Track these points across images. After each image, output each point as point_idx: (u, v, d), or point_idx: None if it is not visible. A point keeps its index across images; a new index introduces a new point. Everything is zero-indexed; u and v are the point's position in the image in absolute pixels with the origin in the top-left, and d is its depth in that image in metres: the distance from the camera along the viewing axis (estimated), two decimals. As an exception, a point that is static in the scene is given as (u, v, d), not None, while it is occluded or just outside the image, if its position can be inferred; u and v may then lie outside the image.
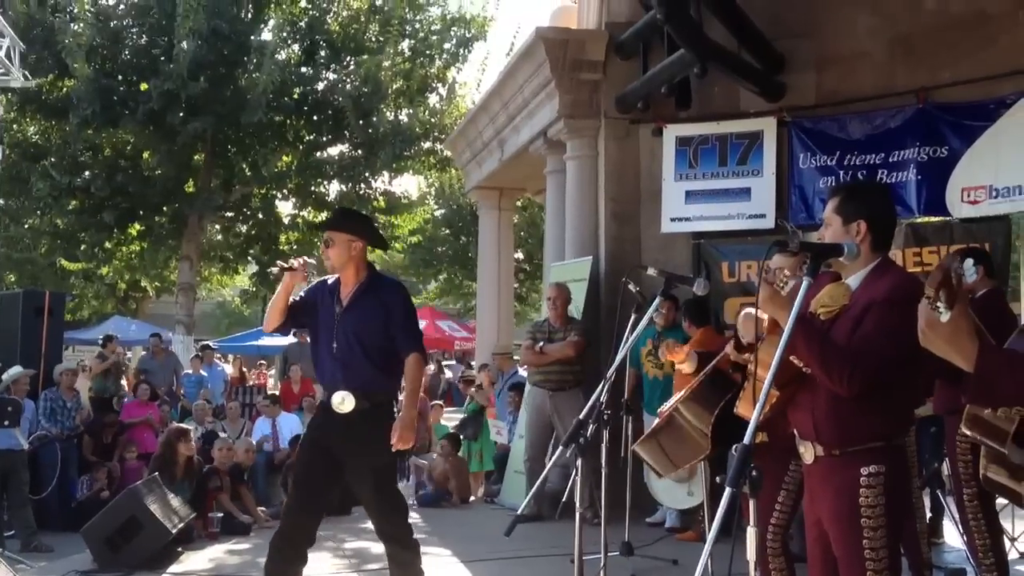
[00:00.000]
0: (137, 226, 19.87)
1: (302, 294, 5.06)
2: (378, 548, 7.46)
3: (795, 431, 3.34)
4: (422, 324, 19.02)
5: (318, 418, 5.02)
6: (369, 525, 8.38)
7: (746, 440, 2.70)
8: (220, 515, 8.16)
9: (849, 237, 3.21)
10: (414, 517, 8.93)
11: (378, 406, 4.80)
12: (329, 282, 5.01)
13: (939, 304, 2.16)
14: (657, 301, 4.50)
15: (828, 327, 3.18)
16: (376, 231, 5.37)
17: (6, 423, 8.71)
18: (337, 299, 4.91)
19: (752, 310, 3.33)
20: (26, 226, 21.74)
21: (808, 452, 3.26)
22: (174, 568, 6.64)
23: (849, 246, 3.15)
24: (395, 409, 4.92)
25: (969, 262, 5.18)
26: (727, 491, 2.65)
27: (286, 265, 4.91)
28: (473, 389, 12.08)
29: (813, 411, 3.20)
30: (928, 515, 6.49)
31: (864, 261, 3.24)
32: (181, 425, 9.04)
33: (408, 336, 4.88)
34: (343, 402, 4.72)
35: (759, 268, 3.15)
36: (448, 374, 22.43)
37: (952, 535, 6.76)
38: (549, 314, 8.38)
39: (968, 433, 3.38)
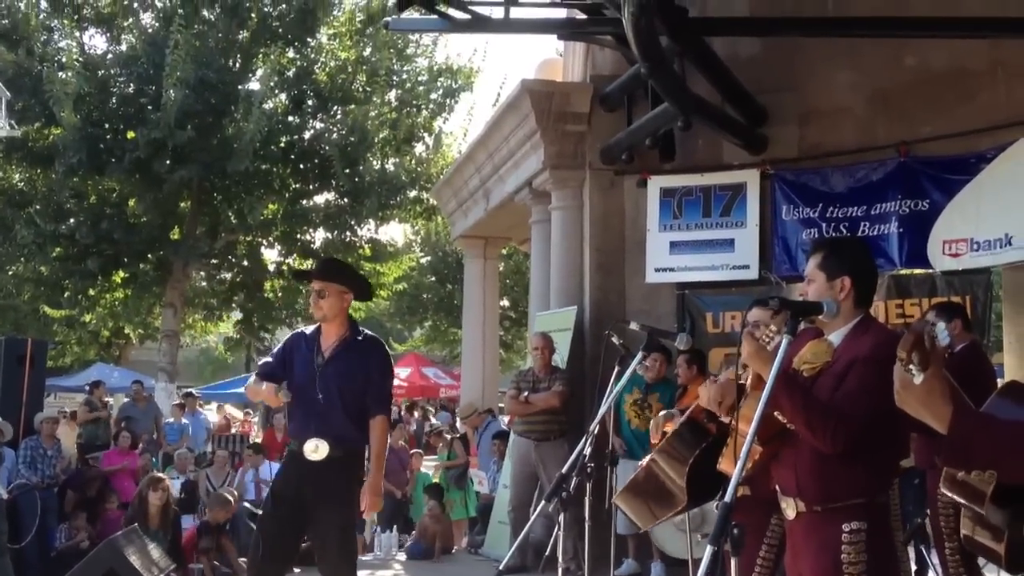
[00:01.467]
0: (121, 273, 19.83)
1: (276, 351, 5.08)
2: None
3: (777, 487, 3.34)
4: (407, 371, 19.13)
5: (286, 467, 5.01)
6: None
7: (727, 498, 2.70)
8: (201, 567, 8.07)
9: (833, 293, 3.23)
10: (398, 569, 8.88)
11: (349, 455, 4.79)
12: (307, 332, 5.01)
13: (911, 367, 2.18)
14: (640, 356, 4.52)
15: (811, 384, 3.20)
16: (365, 283, 5.40)
17: (-15, 473, 8.63)
18: (318, 350, 4.89)
19: (728, 380, 3.34)
20: (9, 273, 21.68)
21: (790, 508, 3.26)
22: (153, 622, 6.56)
23: (828, 304, 3.18)
24: (364, 463, 4.88)
25: (941, 325, 5.24)
26: (708, 549, 2.65)
27: (263, 391, 4.84)
28: (441, 444, 12.17)
29: (796, 467, 3.21)
30: (913, 569, 6.47)
31: (846, 317, 3.26)
32: (154, 474, 8.95)
33: (380, 397, 4.90)
34: (316, 449, 4.71)
35: (741, 327, 3.15)
36: (433, 421, 22.34)
37: (937, 588, 6.72)
38: (534, 363, 8.38)
39: (948, 494, 3.38)
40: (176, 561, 7.74)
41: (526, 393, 8.18)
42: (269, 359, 5.09)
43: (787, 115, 8.36)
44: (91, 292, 20.40)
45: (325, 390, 4.80)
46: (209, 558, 8.44)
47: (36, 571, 9.68)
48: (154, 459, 12.65)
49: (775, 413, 3.11)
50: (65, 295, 20.70)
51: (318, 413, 4.78)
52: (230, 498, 9.42)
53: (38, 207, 18.44)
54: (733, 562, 2.71)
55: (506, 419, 12.97)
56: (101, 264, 18.68)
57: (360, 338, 4.96)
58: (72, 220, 18.59)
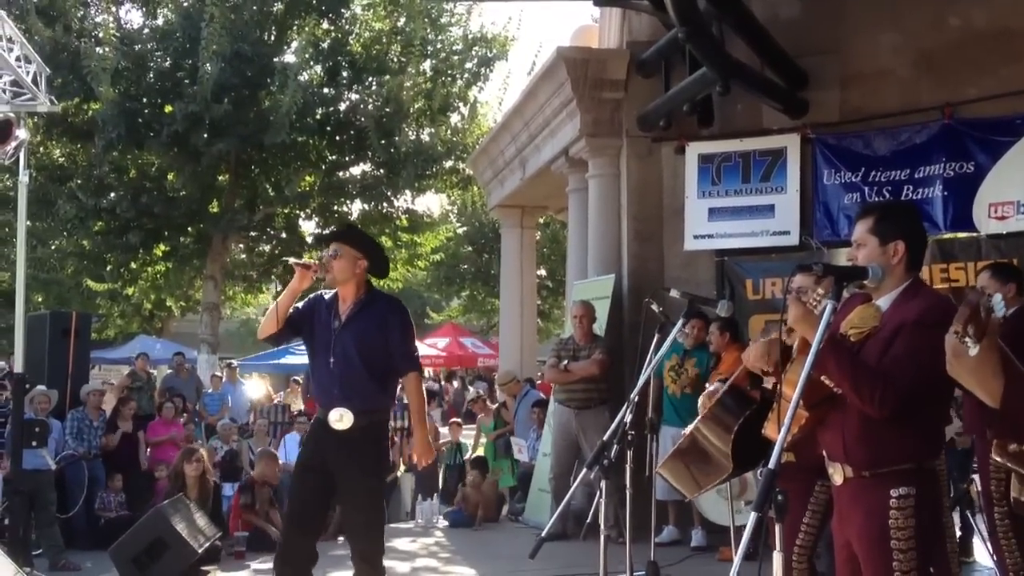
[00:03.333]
0: (162, 247, 20.03)
1: (299, 306, 5.03)
2: (404, 567, 7.52)
3: (824, 452, 3.32)
4: (445, 341, 19.23)
5: (312, 436, 5.01)
6: (396, 544, 8.43)
7: (771, 464, 2.69)
8: (246, 534, 8.17)
9: (885, 258, 3.18)
10: (439, 536, 8.96)
11: (375, 424, 4.79)
12: (326, 297, 4.99)
13: (967, 339, 2.15)
14: (680, 323, 4.49)
15: (858, 348, 3.16)
16: (384, 259, 5.33)
17: (34, 444, 8.78)
18: (335, 314, 4.88)
19: (770, 337, 3.31)
20: (52, 247, 21.96)
21: (838, 473, 3.23)
22: (200, 588, 6.68)
23: (874, 270, 3.13)
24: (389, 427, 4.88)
25: (998, 297, 5.11)
26: (752, 515, 2.63)
27: (300, 261, 4.91)
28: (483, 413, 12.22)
29: (843, 432, 3.18)
30: (958, 534, 6.42)
31: (896, 282, 3.21)
32: (188, 446, 9.07)
33: (406, 355, 4.88)
34: (341, 419, 4.70)
35: (784, 287, 3.12)
36: (471, 391, 22.45)
37: (982, 554, 6.68)
38: (574, 332, 8.37)
39: (999, 460, 3.35)
40: (220, 528, 7.85)
41: (566, 362, 8.18)
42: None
43: (828, 78, 8.23)
44: (133, 265, 20.64)
45: (343, 355, 4.78)
46: (256, 513, 8.52)
47: (85, 540, 9.89)
48: (198, 431, 12.83)
49: (822, 378, 3.09)
50: (107, 269, 20.96)
51: (339, 379, 4.77)
52: (278, 455, 9.52)
53: (79, 182, 18.63)
54: (777, 528, 2.69)
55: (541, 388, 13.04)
56: (142, 238, 18.88)
57: (377, 300, 4.93)
58: (113, 194, 18.77)
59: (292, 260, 5.02)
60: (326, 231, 21.26)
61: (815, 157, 8.22)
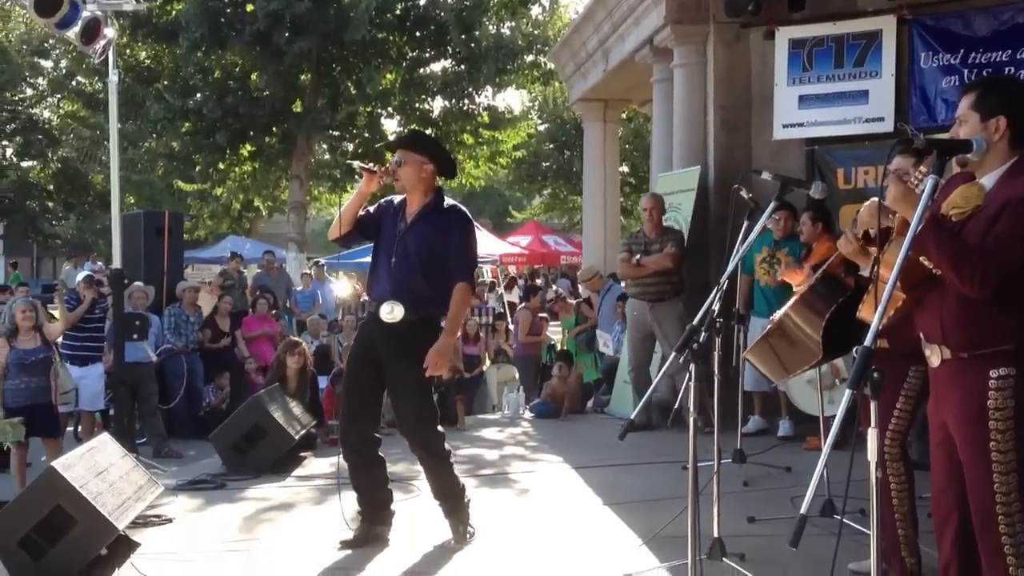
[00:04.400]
0: (248, 147, 20.31)
1: (370, 209, 5.11)
2: (492, 455, 7.69)
3: (921, 334, 3.26)
4: (527, 239, 19.22)
5: (364, 329, 5.10)
6: (483, 434, 8.63)
7: (867, 342, 2.65)
8: (338, 422, 8.40)
9: (987, 134, 3.06)
10: (526, 427, 9.12)
11: (424, 320, 4.83)
12: (395, 201, 5.05)
13: None
14: (772, 206, 4.40)
15: (960, 228, 3.08)
16: (449, 159, 5.33)
17: (135, 336, 9.11)
18: (402, 217, 4.95)
19: (877, 199, 3.23)
20: (143, 149, 22.42)
21: (935, 355, 3.18)
22: (298, 472, 6.90)
23: (978, 142, 3.02)
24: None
25: None
26: (847, 392, 2.62)
27: (366, 165, 4.96)
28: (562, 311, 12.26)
29: (941, 313, 3.12)
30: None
31: (1000, 159, 3.09)
32: (292, 338, 9.30)
33: (462, 263, 4.90)
34: (392, 311, 4.77)
35: (878, 172, 3.03)
36: (554, 288, 22.50)
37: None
38: (644, 224, 8.30)
39: None
40: (315, 417, 8.09)
41: (638, 256, 8.13)
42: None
43: (927, -45, 7.86)
44: (220, 166, 21.00)
45: (404, 255, 4.85)
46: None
47: (186, 430, 10.31)
48: (289, 327, 13.15)
49: (921, 258, 3.02)
50: (196, 169, 21.37)
51: (395, 276, 4.85)
52: None
53: (166, 83, 18.92)
54: (872, 406, 2.67)
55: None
56: (228, 138, 19.16)
57: (443, 206, 4.96)
58: (198, 95, 19.02)
59: (357, 164, 5.08)
60: (406, 129, 21.34)
61: (912, 39, 7.92)
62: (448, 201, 5.06)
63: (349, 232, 5.04)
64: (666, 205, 8.53)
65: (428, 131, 20.98)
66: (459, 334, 10.55)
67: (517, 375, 11.84)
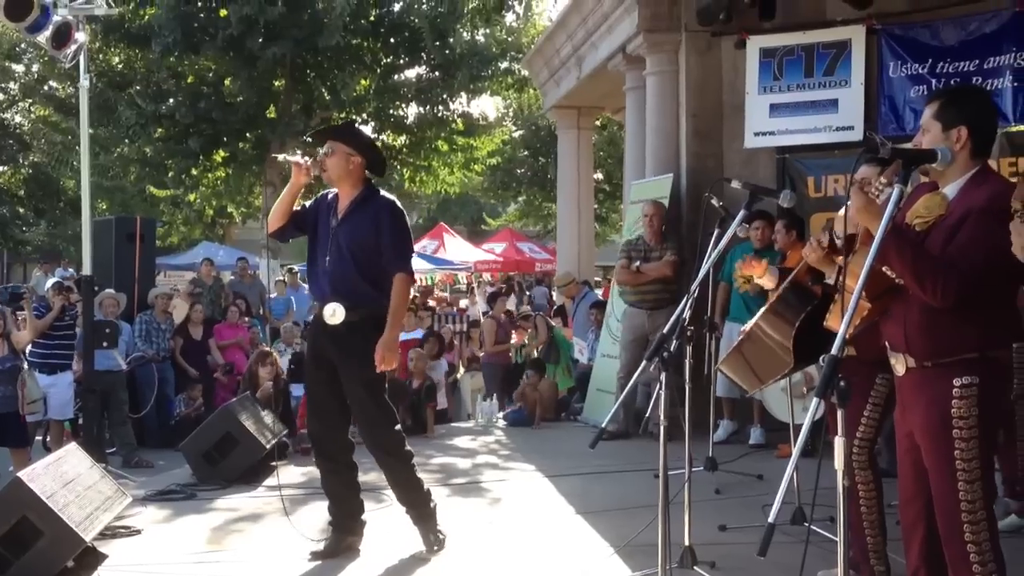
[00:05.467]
0: (222, 152, 20.18)
1: (307, 203, 5.10)
2: (464, 463, 7.67)
3: (887, 343, 3.29)
4: (502, 246, 19.14)
5: (312, 331, 5.11)
6: (456, 442, 8.61)
7: (834, 351, 2.67)
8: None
9: (948, 144, 3.10)
10: (499, 435, 9.11)
11: (367, 319, 4.79)
12: (329, 196, 5.03)
13: None
14: (742, 215, 4.42)
15: (923, 238, 3.10)
16: (379, 154, 5.23)
17: (104, 344, 9.01)
18: (334, 212, 4.93)
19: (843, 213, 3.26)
20: (115, 154, 22.23)
21: (900, 364, 3.21)
22: (269, 481, 6.85)
23: (943, 151, 3.05)
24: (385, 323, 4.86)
25: None
26: (814, 401, 2.63)
27: (293, 158, 4.92)
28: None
29: (905, 322, 3.15)
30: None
31: (962, 169, 3.13)
32: (262, 349, 9.24)
33: (395, 255, 4.85)
34: (334, 314, 4.76)
35: (847, 181, 3.05)
36: (524, 302, 22.43)
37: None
38: (644, 232, 8.29)
39: None
40: (287, 426, 8.04)
41: (638, 263, 8.14)
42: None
43: (895, -35, 7.94)
44: (193, 172, 20.84)
45: (338, 252, 4.83)
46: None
47: (156, 439, 10.21)
48: (262, 334, 13.06)
49: (884, 268, 3.04)
50: (169, 175, 21.20)
51: (331, 275, 4.84)
52: None
53: (138, 88, 18.78)
54: (839, 414, 2.69)
55: (600, 291, 13.05)
56: (202, 144, 19.04)
57: (372, 198, 4.92)
58: (171, 100, 18.89)
59: (283, 156, 5.04)
60: (381, 135, 21.28)
61: (880, 49, 7.99)
62: (383, 194, 5.01)
63: (283, 226, 5.03)
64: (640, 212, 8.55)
65: (403, 138, 21.00)
66: (430, 343, 10.55)
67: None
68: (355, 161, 4.89)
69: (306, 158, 4.94)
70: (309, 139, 19.33)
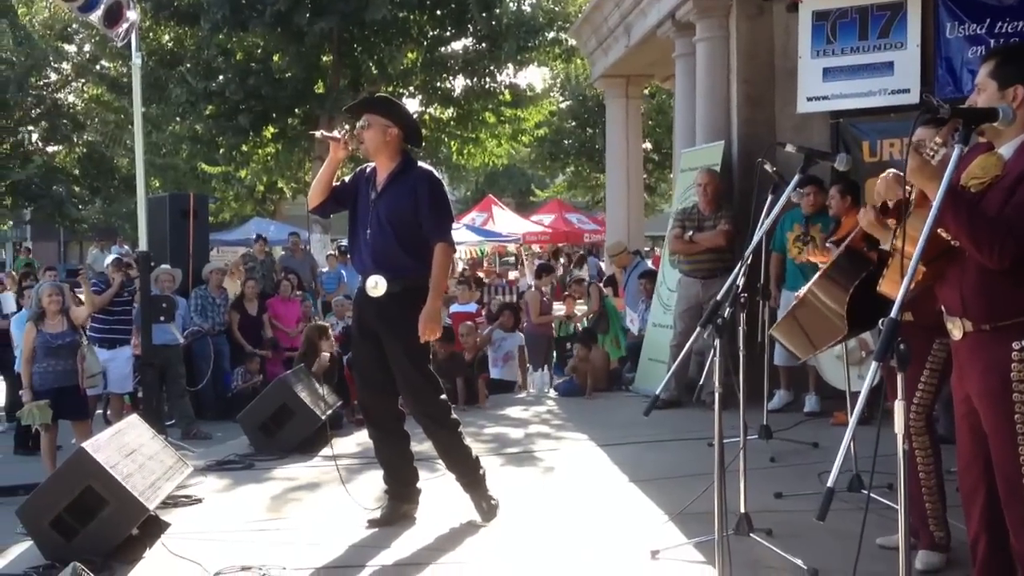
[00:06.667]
0: (271, 128, 20.34)
1: (346, 179, 5.13)
2: (517, 433, 7.70)
3: (942, 307, 3.24)
4: (551, 218, 19.13)
5: (356, 303, 5.13)
6: (508, 412, 8.64)
7: (893, 314, 2.63)
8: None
9: (1005, 103, 3.03)
10: (551, 405, 9.13)
11: (409, 290, 4.82)
12: (368, 170, 5.05)
13: None
14: (797, 179, 4.37)
15: (979, 199, 3.05)
16: (415, 125, 5.23)
17: (162, 319, 9.18)
18: (373, 185, 4.95)
19: (894, 171, 3.21)
20: (167, 132, 22.50)
21: (956, 328, 3.16)
22: (324, 451, 6.94)
23: (1004, 110, 2.98)
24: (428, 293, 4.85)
25: None
26: (872, 366, 2.60)
27: (329, 134, 4.95)
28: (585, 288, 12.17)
29: (961, 286, 3.10)
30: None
31: (1019, 129, 3.06)
32: (321, 323, 9.34)
33: (435, 224, 4.87)
34: (376, 286, 4.80)
35: (907, 143, 2.99)
36: (575, 272, 22.43)
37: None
38: (699, 200, 8.22)
39: None
40: (342, 398, 8.13)
41: (691, 232, 8.09)
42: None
43: (954, -79, 7.73)
44: (244, 148, 21.04)
45: (378, 225, 4.86)
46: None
47: (214, 411, 10.40)
48: (314, 307, 13.20)
49: (939, 230, 2.99)
50: (220, 152, 21.43)
51: (375, 249, 4.87)
52: None
53: (188, 66, 18.95)
54: (899, 377, 2.65)
55: (650, 260, 12.98)
56: (251, 120, 19.20)
57: (410, 169, 4.93)
58: (221, 77, 19.05)
59: (320, 133, 5.05)
60: (428, 109, 21.28)
61: (937, 9, 7.81)
62: (421, 165, 5.03)
63: (324, 201, 5.07)
64: (693, 180, 8.47)
65: (450, 110, 20.99)
66: (505, 315, 10.58)
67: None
68: (392, 133, 4.90)
69: (343, 131, 4.96)
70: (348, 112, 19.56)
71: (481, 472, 5.10)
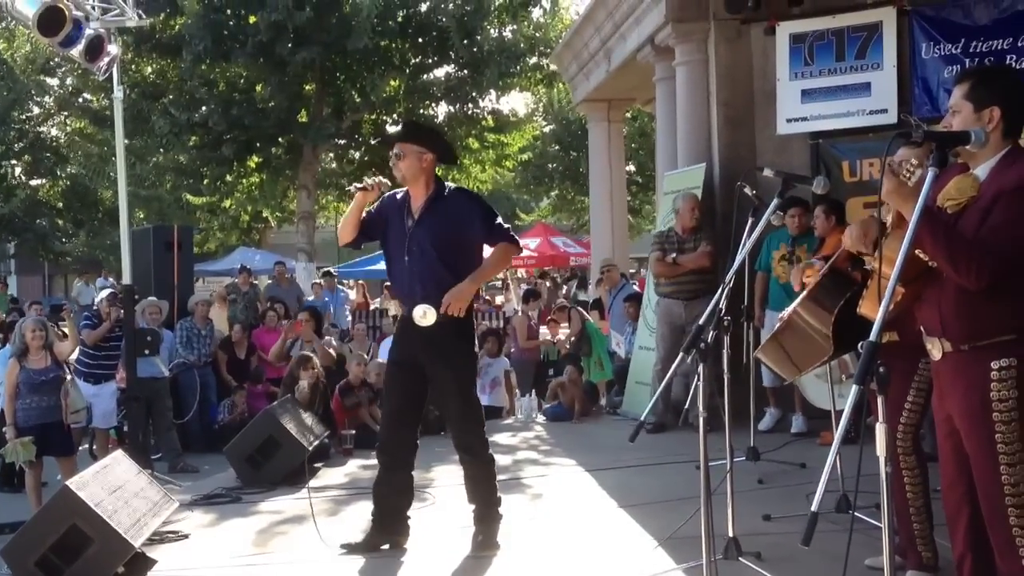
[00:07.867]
0: (255, 158, 20.38)
1: (372, 209, 5.11)
2: (505, 459, 7.68)
3: (921, 328, 3.26)
4: (536, 242, 19.09)
5: (400, 334, 5.07)
6: (496, 438, 8.61)
7: (872, 337, 2.64)
8: (352, 432, 8.43)
9: (980, 125, 3.06)
10: (538, 430, 9.12)
11: (456, 318, 4.79)
12: (398, 196, 5.04)
13: None
14: (775, 203, 4.39)
15: (955, 220, 3.07)
16: (447, 145, 5.32)
17: (147, 352, 9.12)
18: (408, 212, 4.94)
19: (868, 217, 3.23)
20: (151, 164, 22.50)
21: (936, 348, 3.18)
22: (312, 483, 6.90)
23: (977, 133, 3.01)
24: (474, 320, 4.90)
25: None
26: (854, 388, 2.61)
27: (360, 185, 4.96)
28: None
29: (940, 306, 3.12)
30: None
31: (993, 150, 3.09)
32: (304, 352, 9.32)
33: (497, 232, 4.91)
34: (424, 315, 4.76)
35: (882, 164, 3.02)
36: (561, 295, 22.41)
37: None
38: (682, 223, 8.21)
39: None
40: (329, 428, 8.10)
41: (673, 255, 8.11)
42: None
43: (925, -57, 7.84)
44: (228, 178, 21.09)
45: (419, 251, 4.84)
46: (358, 414, 8.79)
47: (200, 444, 10.32)
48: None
49: (917, 251, 3.01)
50: (204, 182, 21.47)
51: (419, 276, 4.84)
52: (365, 356, 9.81)
53: (171, 97, 18.98)
54: (880, 400, 2.66)
55: (636, 283, 12.98)
56: (235, 150, 19.24)
57: (447, 193, 4.95)
58: (204, 108, 19.09)
59: (354, 186, 5.02)
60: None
61: (912, 30, 7.91)
62: (449, 186, 5.06)
63: (356, 236, 5.07)
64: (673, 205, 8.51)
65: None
66: (490, 341, 10.56)
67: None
68: (427, 159, 4.92)
69: (375, 179, 4.96)
70: (341, 141, 19.41)
71: (499, 513, 5.05)
